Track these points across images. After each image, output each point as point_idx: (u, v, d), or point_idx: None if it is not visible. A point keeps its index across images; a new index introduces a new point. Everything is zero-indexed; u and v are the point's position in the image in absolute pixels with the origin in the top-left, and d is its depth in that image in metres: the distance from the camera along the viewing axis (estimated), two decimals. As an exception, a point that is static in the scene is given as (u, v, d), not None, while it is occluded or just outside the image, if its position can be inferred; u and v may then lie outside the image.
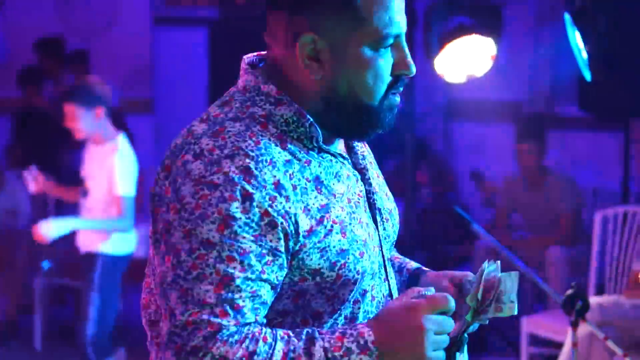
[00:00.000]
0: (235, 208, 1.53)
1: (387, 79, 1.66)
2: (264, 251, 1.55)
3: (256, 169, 1.56)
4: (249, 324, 1.54)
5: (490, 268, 1.71)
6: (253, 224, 1.54)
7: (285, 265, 1.59)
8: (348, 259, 1.63)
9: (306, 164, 1.64)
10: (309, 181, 1.63)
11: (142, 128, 8.91)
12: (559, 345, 4.61)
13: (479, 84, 7.81)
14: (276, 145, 1.62)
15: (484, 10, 4.41)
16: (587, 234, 5.67)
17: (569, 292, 3.22)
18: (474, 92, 7.94)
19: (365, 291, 1.70)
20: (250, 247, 1.54)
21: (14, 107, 7.47)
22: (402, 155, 5.65)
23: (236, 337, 1.52)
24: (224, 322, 1.52)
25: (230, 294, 1.52)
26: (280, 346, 1.53)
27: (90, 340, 4.62)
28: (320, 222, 1.61)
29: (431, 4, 4.50)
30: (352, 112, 1.66)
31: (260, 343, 1.53)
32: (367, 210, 1.74)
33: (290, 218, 1.57)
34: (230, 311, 1.52)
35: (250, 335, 1.53)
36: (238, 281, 1.53)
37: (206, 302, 1.52)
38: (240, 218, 1.53)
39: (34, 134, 6.93)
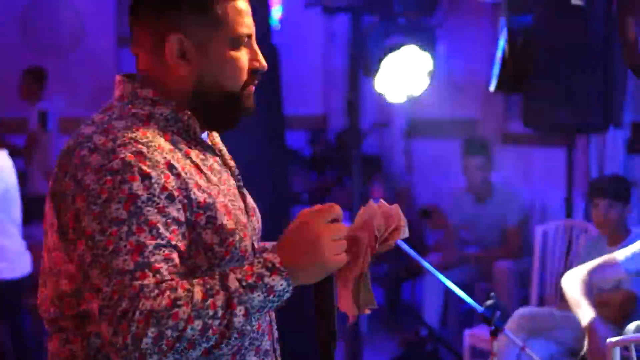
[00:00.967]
0: (137, 187, 1.72)
1: (245, 71, 1.90)
2: (169, 220, 1.73)
3: (148, 152, 1.76)
4: (166, 281, 1.69)
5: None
6: (155, 198, 1.72)
7: (186, 235, 1.76)
8: (235, 238, 1.83)
9: (186, 154, 1.85)
10: (193, 166, 1.84)
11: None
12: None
13: (438, 102, 7.96)
14: (160, 137, 1.82)
15: (419, 29, 4.53)
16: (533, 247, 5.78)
17: (488, 302, 3.32)
18: (433, 110, 8.09)
19: None
20: (156, 218, 1.71)
21: None
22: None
23: (156, 291, 1.66)
24: (145, 282, 1.67)
25: (146, 259, 1.68)
26: (198, 288, 1.68)
27: None
28: (210, 196, 1.81)
29: (368, 25, 4.62)
30: (219, 100, 1.89)
31: (179, 290, 1.67)
32: (241, 202, 1.93)
33: (183, 191, 1.77)
34: (149, 272, 1.68)
35: (169, 287, 1.68)
36: (151, 247, 1.69)
37: (125, 269, 1.67)
38: (143, 194, 1.71)
39: None
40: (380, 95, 4.84)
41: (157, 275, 1.68)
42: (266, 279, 1.70)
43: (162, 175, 1.75)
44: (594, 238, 4.74)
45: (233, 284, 1.69)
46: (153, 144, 1.78)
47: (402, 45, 4.48)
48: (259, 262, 1.72)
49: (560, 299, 4.43)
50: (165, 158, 1.78)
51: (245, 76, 1.91)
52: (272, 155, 5.09)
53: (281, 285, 1.71)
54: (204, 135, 1.97)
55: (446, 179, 7.27)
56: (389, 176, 7.60)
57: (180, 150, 1.84)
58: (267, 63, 1.95)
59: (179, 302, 1.66)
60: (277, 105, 5.25)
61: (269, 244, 2.08)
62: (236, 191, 1.94)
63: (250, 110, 1.95)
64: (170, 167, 1.77)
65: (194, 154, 1.87)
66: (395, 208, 1.85)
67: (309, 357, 2.61)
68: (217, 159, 1.95)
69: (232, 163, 2.00)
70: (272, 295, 1.70)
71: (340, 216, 1.78)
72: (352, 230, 1.86)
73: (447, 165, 7.63)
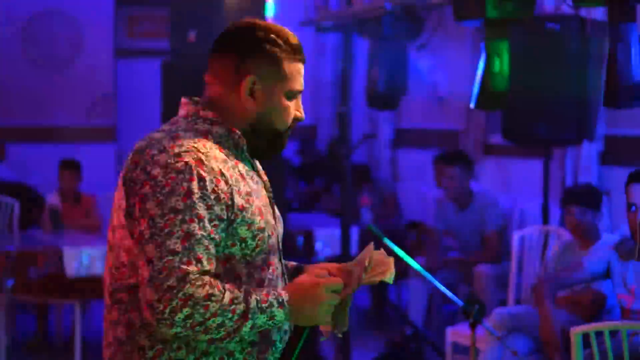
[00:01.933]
0: (194, 186, 2.16)
1: (291, 118, 2.38)
2: (213, 217, 2.17)
3: (206, 160, 2.20)
4: (207, 272, 2.14)
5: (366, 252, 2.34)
6: (206, 198, 2.16)
7: (225, 230, 2.20)
8: (264, 234, 2.28)
9: (235, 165, 2.28)
10: (239, 175, 2.27)
11: (105, 155, 9.34)
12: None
13: (423, 114, 8.33)
14: (216, 149, 2.26)
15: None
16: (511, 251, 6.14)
17: (468, 297, 3.69)
18: (419, 121, 8.49)
19: (270, 263, 2.32)
20: (204, 213, 2.16)
21: None
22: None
23: (199, 282, 2.12)
24: (190, 268, 2.11)
25: (191, 247, 2.12)
26: (228, 293, 2.15)
27: None
28: (248, 202, 2.25)
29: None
30: (267, 135, 2.36)
31: (215, 289, 2.13)
32: (271, 209, 2.38)
33: (229, 195, 2.20)
34: (193, 260, 2.12)
35: (209, 282, 2.13)
36: (197, 236, 2.14)
37: (175, 251, 2.11)
38: (197, 193, 2.16)
39: None
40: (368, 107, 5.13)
41: (199, 265, 2.13)
42: (274, 309, 2.19)
43: (214, 180, 2.19)
44: (567, 242, 5.09)
45: (252, 302, 2.16)
46: (210, 154, 2.22)
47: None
48: (274, 294, 2.20)
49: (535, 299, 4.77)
50: (218, 166, 2.21)
51: (290, 122, 2.37)
52: (269, 165, 5.40)
53: (281, 317, 2.20)
54: None
55: (430, 187, 7.63)
56: (376, 184, 7.96)
57: (230, 161, 2.27)
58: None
59: (213, 298, 2.12)
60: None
61: (291, 264, 2.53)
62: (267, 201, 2.36)
63: (284, 147, 2.42)
64: (221, 174, 2.21)
65: (241, 165, 2.30)
66: (390, 259, 2.32)
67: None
68: (255, 173, 2.37)
69: (265, 178, 2.42)
70: (271, 321, 2.20)
71: (340, 288, 2.27)
72: (350, 265, 2.36)
73: (432, 174, 8.01)
